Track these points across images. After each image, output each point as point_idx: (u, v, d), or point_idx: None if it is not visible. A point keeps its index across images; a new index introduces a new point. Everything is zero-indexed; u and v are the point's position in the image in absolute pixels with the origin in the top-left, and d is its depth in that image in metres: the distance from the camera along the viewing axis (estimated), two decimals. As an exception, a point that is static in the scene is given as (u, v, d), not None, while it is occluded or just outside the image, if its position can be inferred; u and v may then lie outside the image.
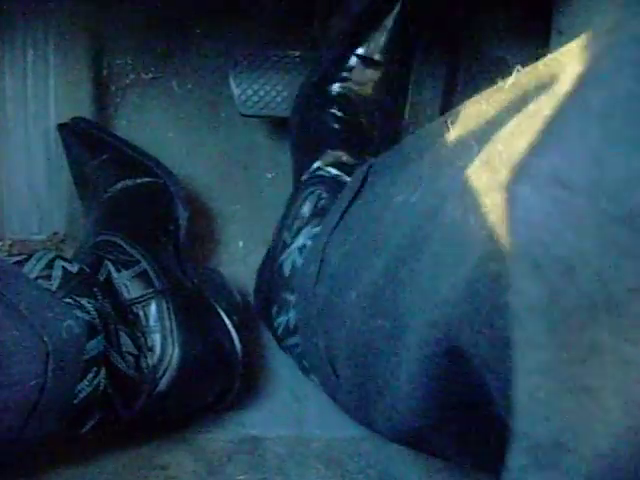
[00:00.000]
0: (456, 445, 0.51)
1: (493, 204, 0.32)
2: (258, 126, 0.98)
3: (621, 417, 0.25)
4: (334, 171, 0.80)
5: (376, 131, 0.83)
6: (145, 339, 0.72)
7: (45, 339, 0.54)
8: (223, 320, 0.79)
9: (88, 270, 0.70)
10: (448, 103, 0.99)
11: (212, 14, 0.98)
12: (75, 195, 0.92)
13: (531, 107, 0.32)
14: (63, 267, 0.67)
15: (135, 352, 0.70)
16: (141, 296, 0.74)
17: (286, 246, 0.80)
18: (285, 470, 0.77)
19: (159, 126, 0.98)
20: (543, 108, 0.29)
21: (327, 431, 0.82)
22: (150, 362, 0.72)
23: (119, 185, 0.84)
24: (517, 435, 0.29)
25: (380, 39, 0.82)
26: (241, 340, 0.79)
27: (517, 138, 0.31)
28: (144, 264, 0.75)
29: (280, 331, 0.79)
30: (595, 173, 0.23)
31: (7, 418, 0.50)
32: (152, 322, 0.73)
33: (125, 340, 0.70)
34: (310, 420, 0.83)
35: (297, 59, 0.88)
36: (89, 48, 0.96)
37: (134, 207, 0.83)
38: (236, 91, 0.87)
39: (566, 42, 0.76)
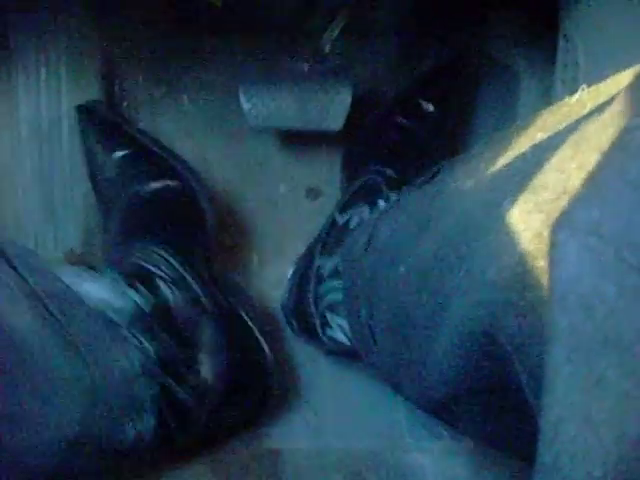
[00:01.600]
0: (478, 422, 0.54)
1: (542, 219, 0.36)
2: (270, 139, 0.99)
3: (615, 448, 0.27)
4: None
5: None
6: (196, 363, 0.72)
7: (96, 374, 0.54)
8: (256, 336, 0.80)
9: (156, 303, 0.70)
10: (459, 114, 1.00)
11: (221, 29, 0.98)
12: (91, 210, 0.92)
13: (584, 135, 0.36)
14: (136, 303, 0.67)
15: (192, 381, 0.70)
16: (193, 320, 0.73)
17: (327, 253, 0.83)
18: (304, 482, 0.77)
19: (171, 142, 0.99)
20: (592, 139, 0.34)
21: (345, 442, 0.82)
22: (201, 385, 0.71)
23: (148, 187, 0.83)
24: (539, 453, 0.31)
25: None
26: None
27: (566, 151, 0.36)
28: (195, 287, 0.75)
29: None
30: (624, 229, 0.28)
31: (48, 451, 0.50)
32: (202, 346, 0.73)
33: (183, 370, 0.69)
34: (328, 432, 0.83)
35: (306, 72, 0.89)
36: (101, 67, 0.97)
37: (167, 214, 0.82)
38: (246, 105, 0.88)
39: (573, 48, 0.77)
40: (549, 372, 0.31)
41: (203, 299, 0.75)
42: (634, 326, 0.27)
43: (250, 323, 0.80)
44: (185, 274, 0.75)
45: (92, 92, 0.95)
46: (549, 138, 0.41)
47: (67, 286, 0.60)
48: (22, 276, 0.53)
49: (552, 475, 0.30)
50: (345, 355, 0.84)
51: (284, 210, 0.98)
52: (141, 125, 0.99)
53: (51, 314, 0.52)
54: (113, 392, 0.57)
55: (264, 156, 0.99)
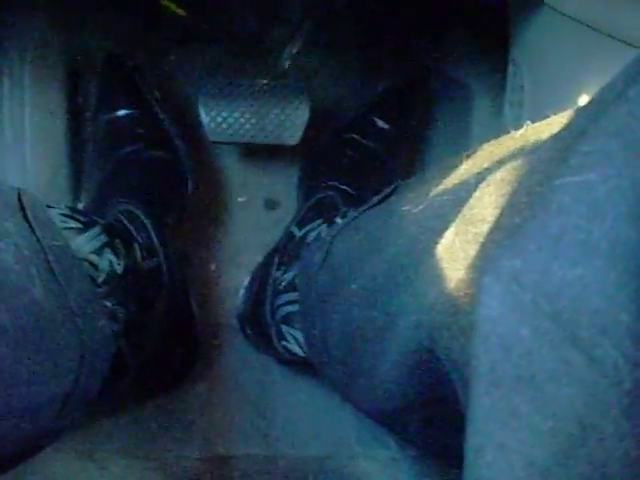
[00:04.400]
0: (423, 431, 0.57)
1: (478, 249, 0.39)
2: (230, 150, 1.00)
3: (524, 474, 0.30)
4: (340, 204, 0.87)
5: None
6: (146, 327, 0.77)
7: (84, 337, 0.56)
8: (192, 308, 0.87)
9: (128, 264, 0.72)
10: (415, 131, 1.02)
11: (184, 41, 1.00)
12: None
13: (519, 174, 0.39)
14: (110, 263, 0.69)
15: (138, 344, 0.74)
16: (153, 289, 0.79)
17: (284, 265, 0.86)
18: (252, 488, 0.79)
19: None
20: (524, 183, 0.37)
21: (294, 449, 0.84)
22: (143, 347, 0.76)
23: (145, 153, 0.87)
24: (463, 476, 0.34)
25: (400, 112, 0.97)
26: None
27: (504, 187, 0.40)
28: (160, 258, 0.80)
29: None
30: (541, 279, 0.31)
31: (47, 409, 0.52)
32: (154, 316, 0.78)
33: (136, 335, 0.73)
34: (277, 438, 0.85)
35: (265, 87, 0.91)
36: (65, 77, 0.98)
37: (155, 182, 0.87)
38: (205, 119, 0.89)
39: (519, 72, 0.80)
40: (472, 403, 0.33)
41: (164, 272, 0.80)
42: (545, 367, 0.30)
43: (191, 299, 0.87)
44: (156, 245, 0.80)
45: (55, 102, 0.96)
46: (491, 171, 0.43)
47: (66, 241, 0.62)
48: (33, 230, 0.54)
49: None
50: (298, 365, 0.86)
51: (242, 220, 1.00)
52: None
53: (52, 274, 0.54)
54: (96, 352, 0.59)
55: (223, 166, 1.01)
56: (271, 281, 0.86)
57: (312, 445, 0.84)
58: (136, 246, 0.77)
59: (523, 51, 0.80)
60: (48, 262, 0.54)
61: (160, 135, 0.90)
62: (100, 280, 0.67)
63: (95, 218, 0.72)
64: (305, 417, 0.87)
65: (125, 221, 0.79)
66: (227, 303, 0.94)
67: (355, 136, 0.95)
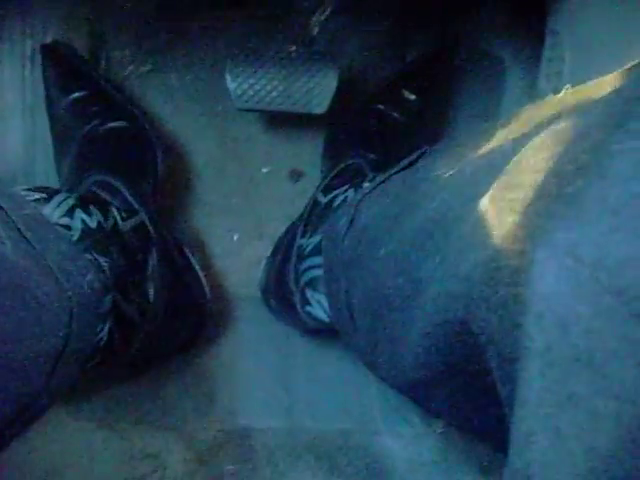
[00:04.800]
0: (449, 404, 0.55)
1: (514, 218, 0.37)
2: (255, 120, 0.99)
3: (583, 461, 0.29)
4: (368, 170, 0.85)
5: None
6: (144, 286, 0.77)
7: (70, 294, 0.56)
8: (196, 270, 0.87)
9: (103, 221, 0.73)
10: (443, 103, 1.00)
11: (210, 8, 0.98)
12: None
13: (563, 139, 0.37)
14: (82, 220, 0.70)
15: (139, 299, 0.75)
16: (141, 246, 0.78)
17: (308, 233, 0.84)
18: (274, 461, 0.78)
19: (157, 118, 0.99)
20: (571, 150, 0.35)
21: (317, 423, 0.83)
22: (145, 307, 0.76)
23: (105, 126, 0.86)
24: (510, 458, 0.33)
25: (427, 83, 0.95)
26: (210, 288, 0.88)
27: (543, 151, 0.37)
28: (142, 215, 0.79)
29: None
30: (601, 253, 0.29)
31: (38, 366, 0.52)
32: (149, 271, 0.78)
33: (132, 289, 0.74)
34: (300, 411, 0.84)
35: (293, 54, 0.89)
36: (88, 40, 0.96)
37: (120, 150, 0.86)
38: (232, 85, 0.88)
39: (559, 42, 0.78)
40: (522, 385, 0.32)
41: (151, 229, 0.79)
42: (606, 346, 0.28)
43: (191, 258, 0.87)
44: (136, 205, 0.79)
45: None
46: (529, 136, 0.41)
47: (35, 208, 0.63)
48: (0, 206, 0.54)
49: None
50: (323, 332, 0.84)
51: (266, 191, 0.98)
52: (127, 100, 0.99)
53: (26, 240, 0.54)
54: (85, 307, 0.59)
55: (248, 136, 0.99)
56: (295, 249, 0.85)
57: (335, 419, 0.83)
58: (113, 210, 0.77)
59: (563, 21, 0.77)
60: (18, 230, 0.54)
61: (115, 108, 0.89)
62: (75, 238, 0.68)
63: (58, 188, 0.73)
64: (328, 391, 0.86)
65: (98, 190, 0.78)
66: (250, 274, 0.93)
67: (381, 107, 0.93)
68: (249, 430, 0.81)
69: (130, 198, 0.79)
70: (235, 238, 0.96)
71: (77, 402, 0.81)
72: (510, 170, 0.40)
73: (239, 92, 0.88)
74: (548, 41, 0.81)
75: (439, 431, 0.81)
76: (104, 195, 0.78)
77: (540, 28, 0.84)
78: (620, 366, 0.28)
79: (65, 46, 0.91)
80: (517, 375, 0.33)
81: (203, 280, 0.87)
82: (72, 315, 0.56)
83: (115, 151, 0.86)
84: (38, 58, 0.92)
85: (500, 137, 0.48)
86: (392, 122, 0.92)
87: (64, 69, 0.89)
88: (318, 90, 0.88)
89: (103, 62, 0.98)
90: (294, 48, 0.89)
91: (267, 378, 0.86)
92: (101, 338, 0.68)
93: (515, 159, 0.41)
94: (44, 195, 0.69)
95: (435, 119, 0.98)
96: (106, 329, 0.68)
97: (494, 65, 0.98)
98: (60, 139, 0.89)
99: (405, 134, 0.92)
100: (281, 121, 0.98)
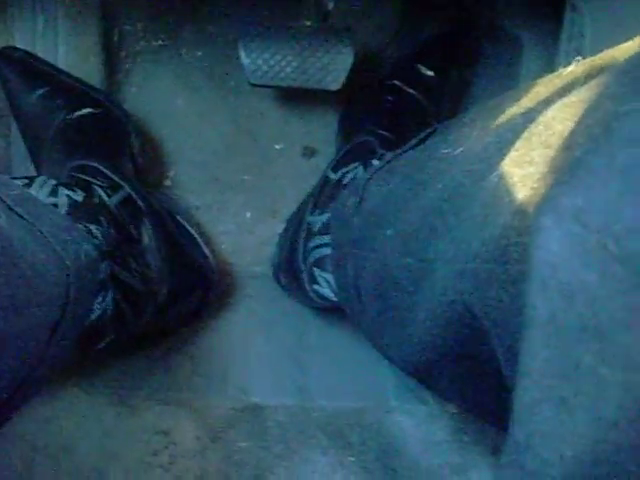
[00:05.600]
0: (456, 387, 0.55)
1: (525, 194, 0.36)
2: (268, 96, 0.98)
3: (589, 430, 0.28)
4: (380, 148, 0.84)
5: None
6: (142, 257, 0.78)
7: (67, 262, 0.56)
8: (193, 236, 0.87)
9: (88, 197, 0.74)
10: (459, 82, 0.99)
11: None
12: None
13: (573, 112, 0.36)
14: (67, 195, 0.71)
15: (139, 269, 0.75)
16: (131, 218, 0.79)
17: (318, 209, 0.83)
18: (286, 439, 0.78)
19: (168, 94, 0.98)
20: (582, 120, 0.34)
21: (329, 401, 0.82)
22: (149, 277, 0.77)
23: (73, 115, 0.86)
24: (511, 431, 0.32)
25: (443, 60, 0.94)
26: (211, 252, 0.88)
27: (554, 126, 0.36)
28: (127, 188, 0.80)
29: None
30: (609, 219, 0.28)
31: (35, 336, 0.52)
32: (146, 241, 0.79)
33: (130, 259, 0.74)
34: (312, 389, 0.83)
35: (308, 29, 0.88)
36: (99, 14, 0.95)
37: (93, 135, 0.87)
38: (246, 60, 0.87)
39: (579, 19, 0.76)
40: (525, 355, 0.31)
41: (139, 201, 0.80)
42: (614, 315, 0.27)
43: (189, 228, 0.87)
44: (119, 181, 0.80)
45: (89, 40, 0.94)
46: (539, 110, 0.40)
47: (22, 189, 0.64)
48: None
49: (523, 453, 0.30)
50: (335, 310, 0.84)
51: (279, 168, 0.97)
52: (139, 75, 0.98)
53: (19, 215, 0.54)
54: (82, 275, 0.58)
55: (261, 112, 0.98)
56: (305, 226, 0.84)
57: (348, 397, 0.82)
58: (96, 188, 0.77)
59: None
60: (8, 206, 0.54)
61: (79, 97, 0.89)
62: (63, 212, 0.69)
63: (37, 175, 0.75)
64: (341, 369, 0.85)
65: (77, 174, 0.79)
66: (263, 252, 0.92)
67: (397, 82, 0.92)
68: (261, 407, 0.80)
69: (111, 174, 0.80)
70: (248, 215, 0.96)
71: (90, 377, 0.81)
72: (521, 146, 0.40)
73: (253, 67, 0.87)
74: (567, 17, 0.80)
75: (452, 411, 0.81)
76: (84, 177, 0.78)
77: (558, 4, 0.83)
78: (627, 335, 0.27)
79: (16, 50, 0.90)
80: (520, 346, 0.32)
81: (201, 243, 0.87)
82: (69, 284, 0.55)
83: (86, 136, 0.86)
84: (49, 34, 0.92)
85: (509, 112, 0.47)
86: (407, 98, 0.91)
87: (23, 69, 0.89)
88: (333, 66, 0.87)
89: (115, 37, 0.98)
90: (309, 23, 0.88)
91: (280, 356, 0.86)
92: (106, 310, 0.68)
93: (525, 135, 0.40)
94: (25, 181, 0.70)
95: (450, 97, 0.97)
96: (109, 300, 0.68)
97: (511, 43, 0.96)
98: (32, 137, 0.90)
99: (420, 112, 0.91)
100: (294, 97, 0.97)
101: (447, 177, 0.50)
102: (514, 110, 0.46)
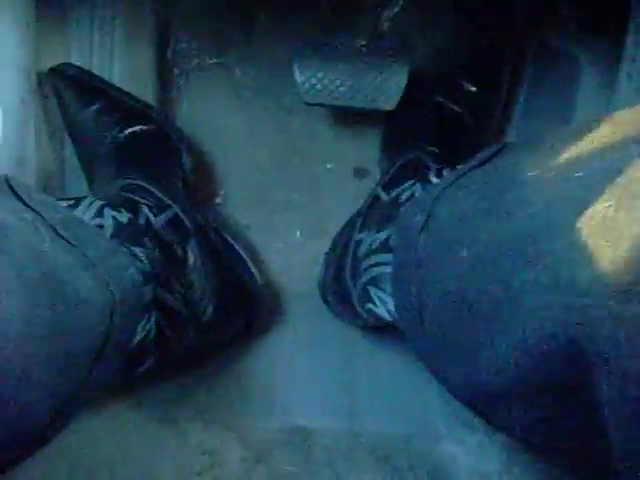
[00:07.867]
0: (528, 420, 0.50)
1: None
2: (320, 115, 0.97)
3: None
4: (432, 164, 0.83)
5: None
6: (186, 277, 0.77)
7: (111, 288, 0.56)
8: (241, 255, 0.86)
9: (134, 218, 0.74)
10: (513, 101, 0.97)
11: (277, 1, 0.97)
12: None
13: None
14: (113, 217, 0.71)
15: (182, 290, 0.75)
16: (178, 238, 0.78)
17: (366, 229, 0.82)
18: (333, 463, 0.76)
19: (221, 111, 0.98)
20: None
21: (377, 425, 0.81)
22: (193, 298, 0.76)
23: (125, 132, 0.87)
24: None
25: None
26: (259, 271, 0.87)
27: None
28: (175, 208, 0.80)
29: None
30: None
31: (77, 364, 0.51)
32: (191, 261, 0.79)
33: (174, 280, 0.74)
34: (360, 413, 0.82)
35: (363, 48, 0.87)
36: (155, 31, 0.96)
37: (144, 153, 0.87)
38: (300, 79, 0.86)
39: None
40: None
41: (186, 221, 0.80)
42: None
43: (237, 247, 0.86)
44: (166, 200, 0.80)
45: (143, 57, 0.95)
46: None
47: (68, 210, 0.64)
48: (33, 209, 0.54)
49: None
50: (381, 330, 0.83)
51: (330, 187, 0.97)
52: (191, 93, 0.99)
53: (64, 239, 0.54)
54: (127, 300, 0.58)
55: (312, 131, 0.98)
56: (352, 244, 0.83)
57: (396, 423, 0.81)
58: (144, 207, 0.77)
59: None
60: (55, 230, 0.54)
61: (132, 113, 0.90)
62: (108, 235, 0.68)
63: (84, 195, 0.74)
64: (390, 393, 0.84)
65: (125, 193, 0.79)
66: (311, 271, 0.91)
67: (440, 98, 0.90)
68: (308, 430, 0.79)
69: (159, 194, 0.80)
70: (298, 234, 0.95)
71: (135, 395, 0.81)
72: (632, 177, 0.38)
73: (307, 86, 0.87)
74: (631, 37, 0.78)
75: (502, 441, 0.79)
76: (132, 196, 0.78)
77: (619, 25, 0.81)
78: None
79: (71, 66, 0.91)
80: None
81: (249, 262, 0.86)
82: (113, 311, 0.55)
83: (137, 154, 0.87)
84: (105, 51, 0.92)
85: (610, 138, 0.45)
86: (451, 114, 0.90)
87: (78, 85, 0.90)
88: (387, 86, 0.86)
89: (169, 54, 0.98)
90: (364, 42, 0.88)
91: (327, 377, 0.85)
92: (148, 332, 0.68)
93: (634, 164, 0.38)
94: (71, 202, 0.70)
95: (497, 114, 0.95)
96: (152, 323, 0.68)
97: (567, 63, 0.94)
98: (85, 153, 0.90)
99: (465, 127, 0.90)
100: (346, 117, 0.96)
101: (539, 203, 0.48)
102: (614, 136, 0.44)
